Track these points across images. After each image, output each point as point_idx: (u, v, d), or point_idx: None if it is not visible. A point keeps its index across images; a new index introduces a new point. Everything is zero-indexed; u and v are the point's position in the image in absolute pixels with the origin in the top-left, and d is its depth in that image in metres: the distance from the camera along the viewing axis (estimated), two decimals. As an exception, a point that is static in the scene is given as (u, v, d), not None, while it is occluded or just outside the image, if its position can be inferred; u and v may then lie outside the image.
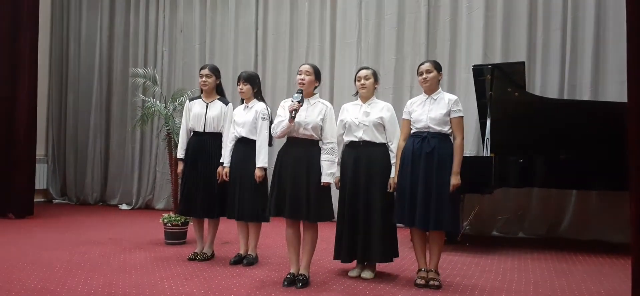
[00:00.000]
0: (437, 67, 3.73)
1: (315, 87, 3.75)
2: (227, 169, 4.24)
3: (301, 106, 3.55)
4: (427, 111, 3.66)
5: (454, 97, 3.72)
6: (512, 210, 6.21)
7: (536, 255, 4.98)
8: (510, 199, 6.20)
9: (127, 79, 8.18)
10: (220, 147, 4.35)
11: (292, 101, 3.54)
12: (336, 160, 3.66)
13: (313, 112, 3.62)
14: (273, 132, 3.74)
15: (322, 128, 3.61)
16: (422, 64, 3.78)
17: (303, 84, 3.64)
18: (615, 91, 5.67)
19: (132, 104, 8.28)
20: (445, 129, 3.63)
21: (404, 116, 3.79)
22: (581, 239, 5.80)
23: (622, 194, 5.17)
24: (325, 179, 3.53)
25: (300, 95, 3.57)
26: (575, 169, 5.10)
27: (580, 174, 5.11)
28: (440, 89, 3.76)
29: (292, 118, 3.54)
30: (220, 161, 4.31)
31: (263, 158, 4.10)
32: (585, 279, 4.00)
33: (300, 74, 3.68)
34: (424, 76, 3.69)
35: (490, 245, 5.50)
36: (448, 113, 3.62)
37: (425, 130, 3.63)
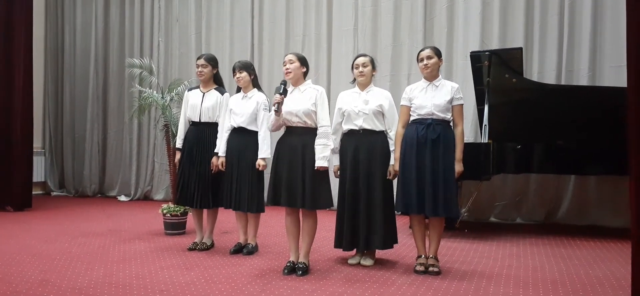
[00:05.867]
0: (438, 53, 3.72)
1: (305, 74, 3.74)
2: (222, 159, 4.24)
3: (284, 97, 3.56)
4: (431, 98, 3.65)
5: (455, 84, 3.72)
6: (510, 196, 6.24)
7: (534, 240, 5.00)
8: (508, 185, 6.22)
9: (124, 69, 8.16)
10: (216, 136, 4.34)
11: (275, 95, 3.56)
12: (330, 144, 3.61)
13: (304, 99, 3.62)
14: (267, 126, 3.76)
15: (315, 113, 3.61)
16: (422, 50, 3.76)
17: (289, 73, 3.65)
18: (613, 76, 5.68)
19: (129, 94, 8.26)
20: (448, 116, 3.64)
21: (403, 103, 3.77)
22: (579, 225, 5.84)
23: (620, 179, 5.22)
24: (319, 163, 3.49)
25: (282, 86, 3.57)
26: (573, 155, 5.11)
27: (578, 159, 5.12)
28: (440, 76, 3.76)
29: (276, 111, 3.55)
30: (215, 150, 4.30)
31: (266, 149, 4.09)
32: (584, 264, 4.02)
33: (284, 65, 3.68)
34: (425, 62, 3.68)
35: (488, 231, 5.52)
36: (451, 100, 3.63)
37: (429, 117, 3.62)
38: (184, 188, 4.35)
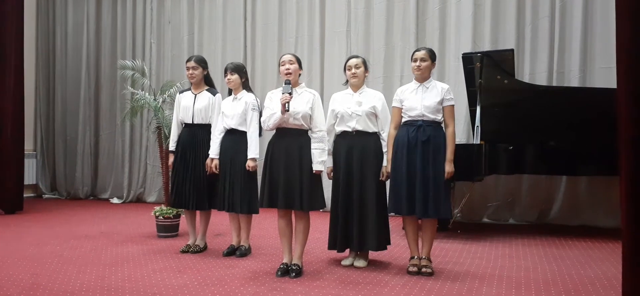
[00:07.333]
0: (432, 56, 3.73)
1: (299, 75, 3.75)
2: (216, 161, 4.24)
3: (292, 96, 3.56)
4: (421, 99, 3.66)
5: (446, 85, 3.74)
6: (503, 197, 6.26)
7: (527, 241, 5.03)
8: (501, 186, 6.25)
9: (116, 71, 8.10)
10: (210, 138, 4.34)
11: (283, 93, 3.54)
12: (326, 148, 3.67)
13: (301, 101, 3.62)
14: (264, 125, 3.74)
15: (311, 117, 3.62)
16: (417, 50, 3.77)
17: (290, 73, 3.64)
18: (603, 77, 5.72)
19: (121, 96, 8.23)
20: (439, 117, 3.66)
21: (395, 104, 3.79)
22: (571, 225, 5.87)
23: (611, 179, 5.26)
24: (316, 167, 3.55)
25: (289, 86, 3.58)
26: (565, 156, 5.15)
27: (569, 160, 5.16)
28: (431, 77, 3.77)
29: (286, 110, 3.54)
30: (209, 152, 4.29)
31: (254, 149, 4.09)
32: (576, 264, 4.04)
33: (283, 65, 3.67)
34: (418, 63, 3.69)
35: (481, 232, 5.54)
36: (441, 101, 3.64)
37: (420, 118, 3.64)
38: (179, 190, 4.34)
